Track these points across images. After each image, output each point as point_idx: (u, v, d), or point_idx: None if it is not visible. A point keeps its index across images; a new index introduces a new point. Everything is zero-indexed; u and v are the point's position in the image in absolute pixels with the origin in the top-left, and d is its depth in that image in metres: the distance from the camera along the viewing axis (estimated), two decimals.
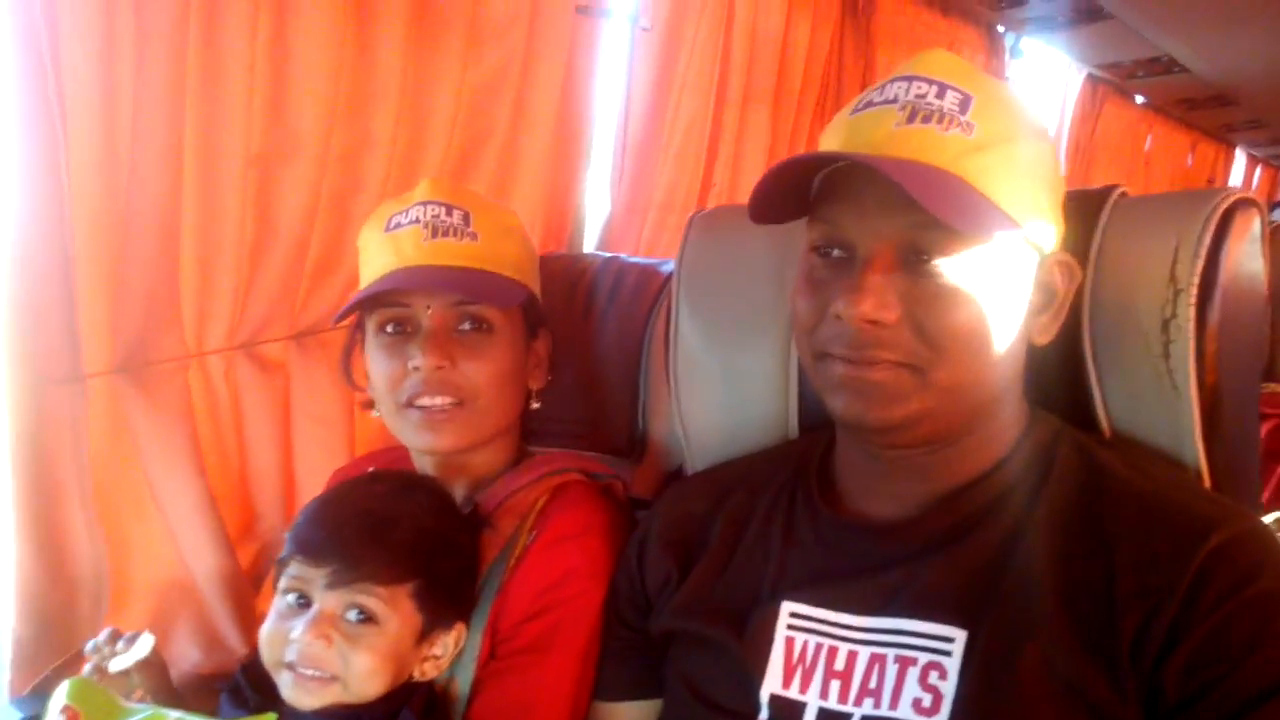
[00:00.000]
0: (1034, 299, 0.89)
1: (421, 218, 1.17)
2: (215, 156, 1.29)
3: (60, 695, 0.97)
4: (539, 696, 1.06)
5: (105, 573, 1.29)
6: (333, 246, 1.50)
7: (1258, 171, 7.03)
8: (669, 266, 1.52)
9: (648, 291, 1.47)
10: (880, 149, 0.83)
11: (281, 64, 1.36)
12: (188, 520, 1.35)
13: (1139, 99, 4.89)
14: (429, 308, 1.15)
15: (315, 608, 1.00)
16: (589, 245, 2.09)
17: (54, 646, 1.24)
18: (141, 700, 1.04)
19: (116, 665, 1.07)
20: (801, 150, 2.65)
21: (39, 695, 1.21)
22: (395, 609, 1.01)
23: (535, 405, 1.27)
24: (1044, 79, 4.23)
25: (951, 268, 0.83)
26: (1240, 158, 6.62)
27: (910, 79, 0.86)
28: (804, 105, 2.63)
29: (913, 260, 0.84)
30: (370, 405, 1.23)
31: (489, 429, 1.19)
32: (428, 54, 1.56)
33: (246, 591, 1.43)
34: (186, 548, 1.36)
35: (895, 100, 0.85)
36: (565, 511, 1.15)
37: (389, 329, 1.18)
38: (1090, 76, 4.33)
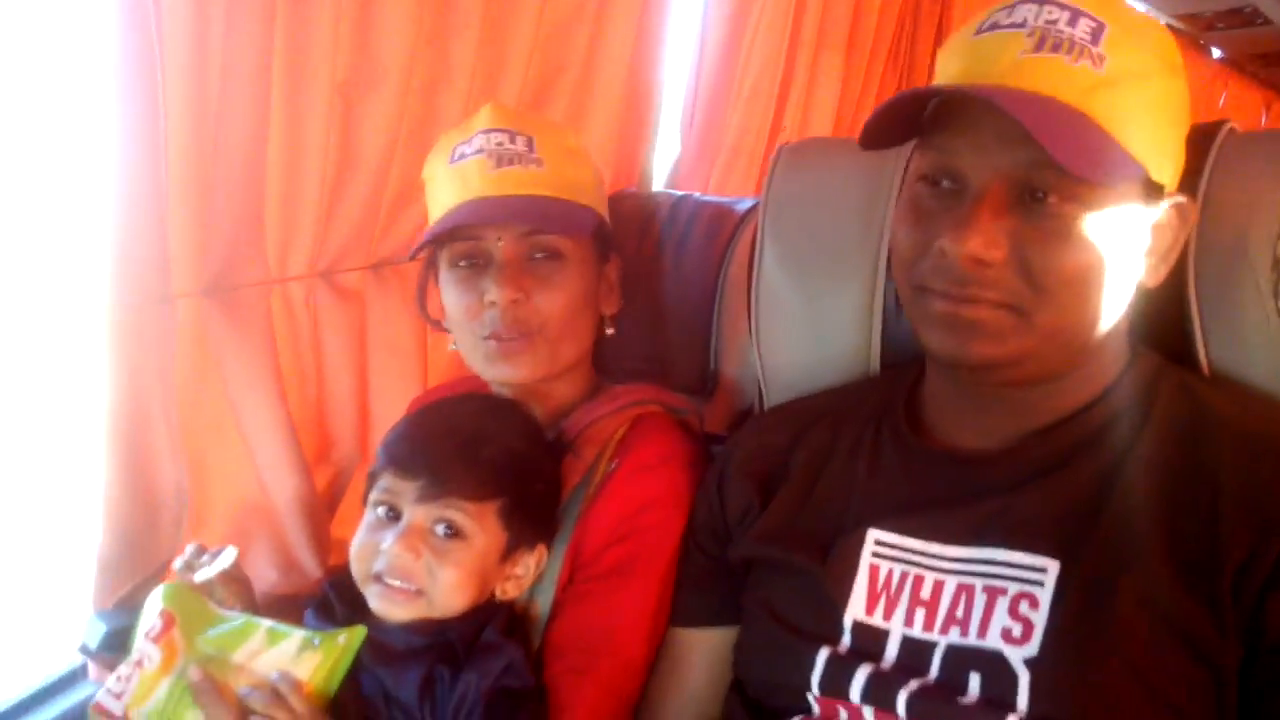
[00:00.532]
0: (1148, 241, 0.86)
1: (485, 147, 1.17)
2: (301, 84, 1.29)
3: (156, 598, 1.00)
4: (618, 620, 1.08)
5: (186, 492, 1.31)
6: (411, 177, 1.49)
7: None
8: (744, 205, 1.51)
9: (723, 230, 1.46)
10: (1004, 79, 0.80)
11: None
12: (267, 443, 1.36)
13: (1215, 53, 4.75)
14: (500, 240, 1.15)
15: (405, 520, 1.03)
16: (657, 185, 2.08)
17: (136, 563, 1.27)
18: (233, 608, 1.07)
19: (201, 576, 1.10)
20: (872, 98, 2.62)
21: (122, 609, 1.24)
22: (482, 525, 1.03)
23: (610, 331, 1.27)
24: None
25: (1067, 210, 0.80)
26: None
27: (1044, 2, 0.82)
28: (877, 51, 2.59)
29: (1027, 199, 0.81)
30: (439, 324, 1.25)
31: (564, 358, 1.20)
32: None
33: (322, 515, 1.45)
34: (265, 470, 1.38)
35: (1024, 24, 0.82)
36: (646, 441, 1.15)
37: (462, 263, 1.18)
38: (1168, 27, 4.22)
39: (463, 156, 1.18)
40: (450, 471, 1.03)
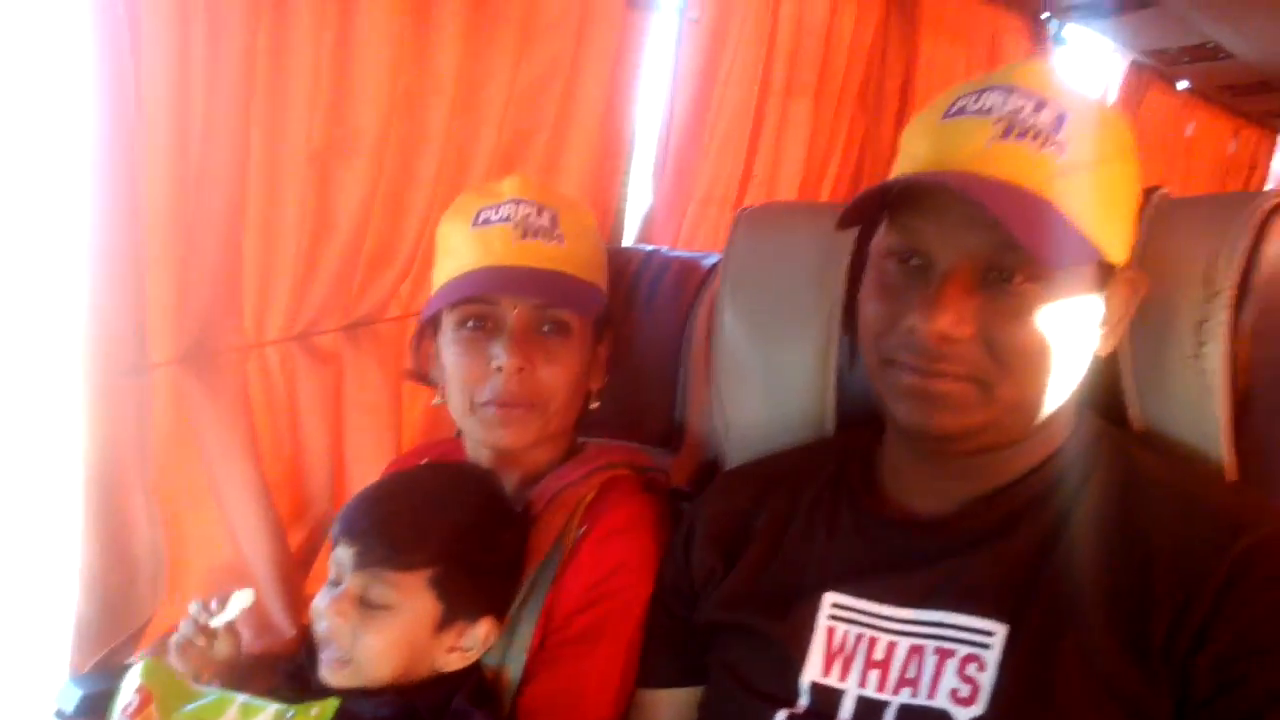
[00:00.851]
0: (1102, 312, 0.90)
1: (513, 216, 1.19)
2: (279, 153, 1.33)
3: (134, 675, 1.02)
4: (587, 684, 1.09)
5: (163, 557, 1.34)
6: (387, 240, 1.54)
7: None
8: (710, 260, 1.54)
9: (689, 285, 1.50)
10: (971, 164, 0.84)
11: (344, 63, 1.40)
12: (242, 506, 1.40)
13: (1182, 85, 4.83)
14: (515, 308, 1.17)
15: (340, 587, 1.05)
16: (628, 238, 2.12)
17: (113, 627, 1.29)
18: (209, 683, 1.09)
19: (220, 620, 1.10)
20: (840, 142, 2.67)
21: (98, 673, 1.26)
22: (408, 595, 1.03)
23: (594, 405, 1.30)
24: (1086, 66, 4.20)
25: (1030, 290, 0.84)
26: None
27: (1009, 90, 0.85)
28: (845, 97, 2.63)
29: (993, 279, 0.85)
30: (431, 387, 1.26)
31: (553, 429, 1.22)
32: (483, 50, 1.59)
33: (296, 575, 1.48)
34: (240, 533, 1.41)
35: (990, 112, 0.85)
36: (615, 507, 1.17)
37: (470, 324, 1.19)
38: (1134, 63, 4.29)
39: (487, 222, 1.20)
40: (380, 540, 1.04)
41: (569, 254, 1.21)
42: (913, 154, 0.90)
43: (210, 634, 1.10)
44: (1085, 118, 0.85)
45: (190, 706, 1.00)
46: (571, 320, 1.21)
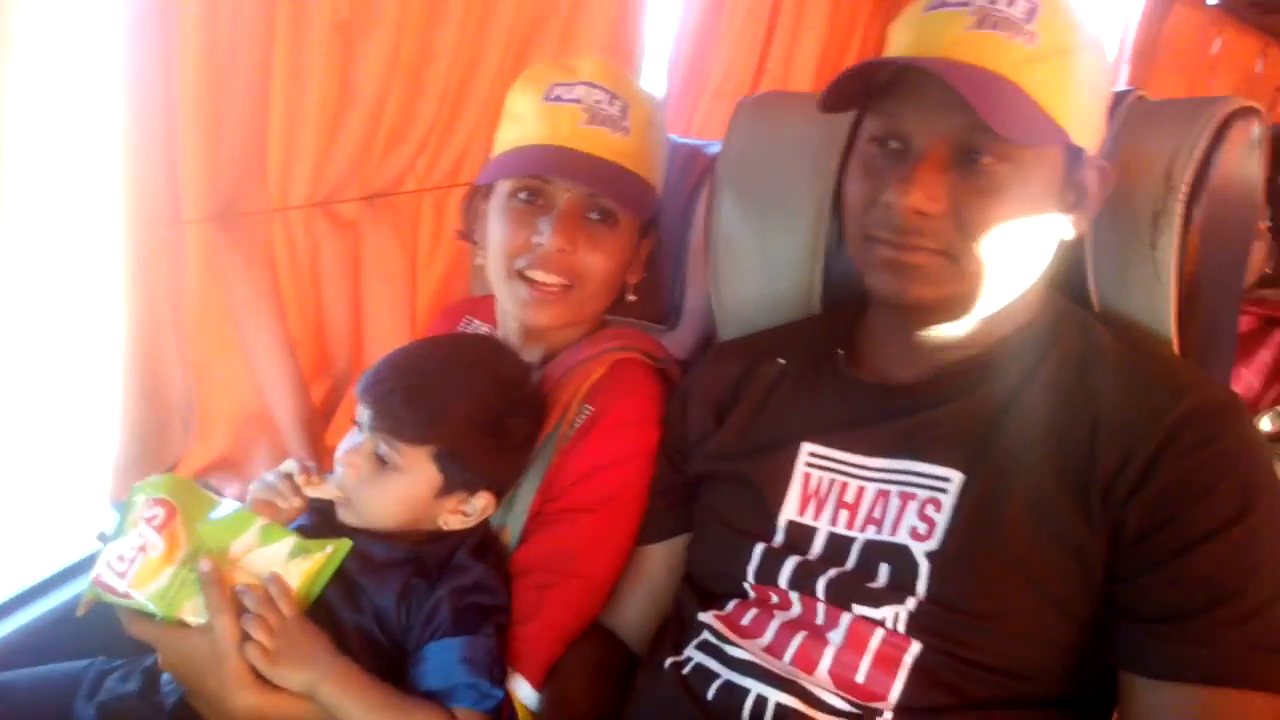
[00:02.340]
0: (1069, 198, 0.98)
1: (584, 99, 1.21)
2: (304, 23, 1.38)
3: (150, 488, 1.08)
4: (582, 544, 1.17)
5: (194, 401, 1.43)
6: (406, 113, 1.60)
7: None
8: (714, 148, 1.60)
9: (693, 171, 1.55)
10: (948, 51, 0.91)
11: None
12: (267, 359, 1.49)
13: (1210, 0, 4.76)
14: (568, 191, 1.21)
15: (358, 440, 1.14)
16: None
17: (149, 460, 1.39)
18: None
19: (314, 493, 1.15)
20: (856, 41, 2.69)
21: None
22: (413, 464, 1.11)
23: (631, 298, 1.34)
24: None
25: (999, 169, 0.92)
26: None
27: None
28: None
29: (964, 159, 0.93)
30: (468, 240, 1.31)
31: (585, 313, 1.27)
32: None
33: (317, 424, 1.58)
34: (265, 384, 1.50)
35: (968, 4, 0.92)
36: (629, 397, 1.22)
37: (521, 195, 1.23)
38: None
39: (559, 99, 1.21)
40: (392, 411, 1.11)
41: (632, 148, 1.23)
42: (895, 43, 0.98)
43: (293, 494, 1.16)
44: (1056, 9, 0.92)
45: (213, 516, 1.08)
46: (620, 213, 1.23)
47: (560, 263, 1.21)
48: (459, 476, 1.13)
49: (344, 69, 1.48)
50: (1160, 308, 1.02)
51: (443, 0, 1.57)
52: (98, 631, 1.23)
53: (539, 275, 1.22)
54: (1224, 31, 5.13)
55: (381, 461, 1.12)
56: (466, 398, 1.13)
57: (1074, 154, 0.96)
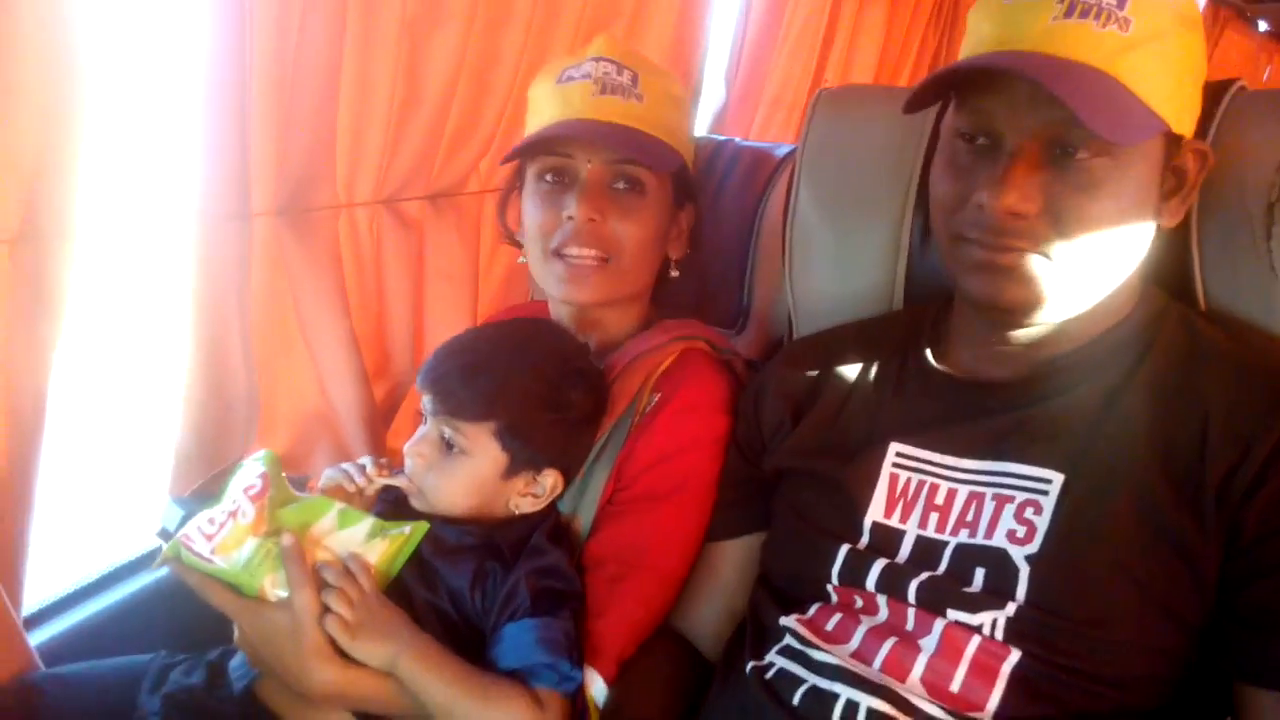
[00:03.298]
0: (1167, 183, 0.94)
1: (593, 73, 1.23)
2: (373, 20, 1.38)
3: (257, 460, 1.09)
4: (653, 537, 1.16)
5: (257, 397, 1.42)
6: (470, 115, 1.59)
7: None
8: (781, 150, 1.58)
9: (761, 173, 1.54)
10: (1035, 43, 0.87)
11: None
12: (331, 356, 1.47)
13: (1261, 25, 4.72)
14: (589, 162, 1.22)
15: (423, 429, 1.14)
16: (701, 131, 2.15)
17: (211, 457, 1.38)
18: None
19: (383, 481, 1.15)
20: (913, 50, 2.67)
21: (195, 497, 1.35)
22: (477, 443, 1.11)
23: (674, 274, 1.34)
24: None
25: (1097, 165, 0.88)
26: None
27: None
28: (920, 7, 2.63)
29: (1058, 155, 0.89)
30: (518, 245, 1.31)
31: (627, 287, 1.27)
32: None
33: (379, 424, 1.56)
34: (328, 380, 1.49)
35: None
36: (693, 381, 1.22)
37: (548, 177, 1.24)
38: (1212, 1, 4.19)
39: (569, 79, 1.24)
40: (450, 392, 1.11)
41: (647, 112, 1.23)
42: (978, 35, 0.93)
43: (366, 482, 1.15)
44: None
45: (292, 505, 1.07)
46: (647, 179, 1.24)
47: (591, 234, 1.21)
48: (523, 454, 1.13)
49: (411, 68, 1.47)
50: (1276, 303, 0.97)
51: (509, 2, 1.57)
52: (162, 625, 1.23)
53: (573, 250, 1.22)
54: (1274, 58, 5.08)
55: (448, 446, 1.12)
56: (522, 371, 1.13)
57: (1172, 139, 0.92)
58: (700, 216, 1.37)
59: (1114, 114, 0.84)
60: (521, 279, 1.75)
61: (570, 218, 1.21)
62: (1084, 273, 0.92)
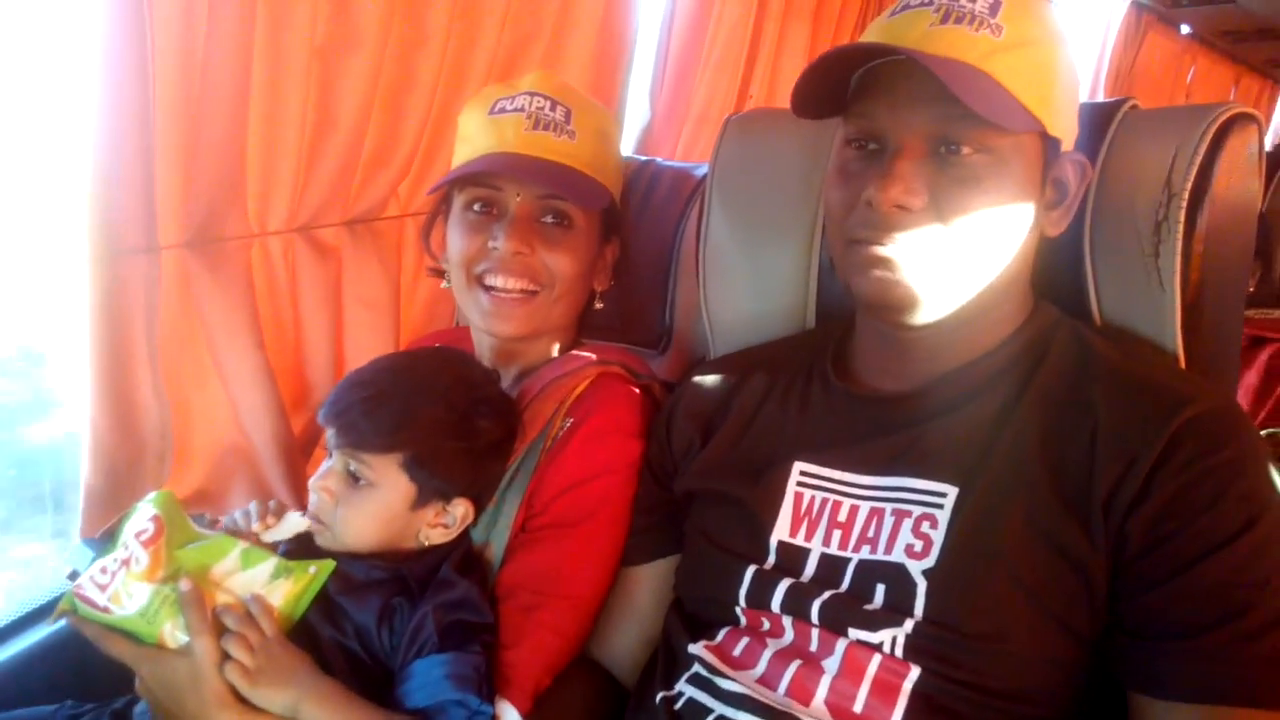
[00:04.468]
0: (1048, 194, 0.97)
1: (526, 107, 1.23)
2: (281, 47, 1.36)
3: (149, 504, 1.06)
4: (566, 563, 1.15)
5: (170, 433, 1.39)
6: (386, 139, 1.58)
7: None
8: (702, 170, 1.59)
9: (681, 194, 1.54)
10: (915, 45, 0.90)
11: None
12: (246, 389, 1.45)
13: (1184, 29, 4.83)
14: (518, 195, 1.22)
15: (327, 464, 1.12)
16: (626, 151, 2.15)
17: (121, 497, 1.34)
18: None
19: (271, 537, 1.12)
20: None
21: (107, 539, 1.33)
22: (383, 475, 1.10)
23: (599, 305, 1.35)
24: (1087, 4, 4.19)
25: (978, 159, 0.91)
26: None
27: None
28: (844, 21, 2.66)
29: (941, 151, 0.92)
30: (441, 274, 1.31)
31: (553, 320, 1.27)
32: None
33: (298, 457, 1.54)
34: (244, 414, 1.46)
35: (930, 3, 0.92)
36: (609, 407, 1.22)
37: (476, 207, 1.25)
38: (1135, 3, 4.28)
39: (503, 110, 1.24)
40: (354, 424, 1.10)
41: (578, 149, 1.24)
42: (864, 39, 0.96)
43: (252, 537, 1.12)
44: (1019, 4, 0.92)
45: (193, 545, 1.05)
46: (575, 214, 1.25)
47: (518, 266, 1.22)
48: (431, 484, 1.11)
49: (323, 93, 1.46)
50: (1165, 318, 0.99)
51: (424, 24, 1.56)
52: (67, 674, 1.20)
53: (499, 281, 1.22)
54: (1197, 60, 5.20)
55: (354, 479, 1.10)
56: (427, 400, 1.12)
57: (1052, 148, 0.95)
58: (625, 247, 1.37)
59: (989, 100, 0.88)
60: (446, 305, 1.74)
61: (495, 249, 1.21)
62: (968, 267, 0.94)
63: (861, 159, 0.96)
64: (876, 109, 0.94)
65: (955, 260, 0.93)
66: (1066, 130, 0.96)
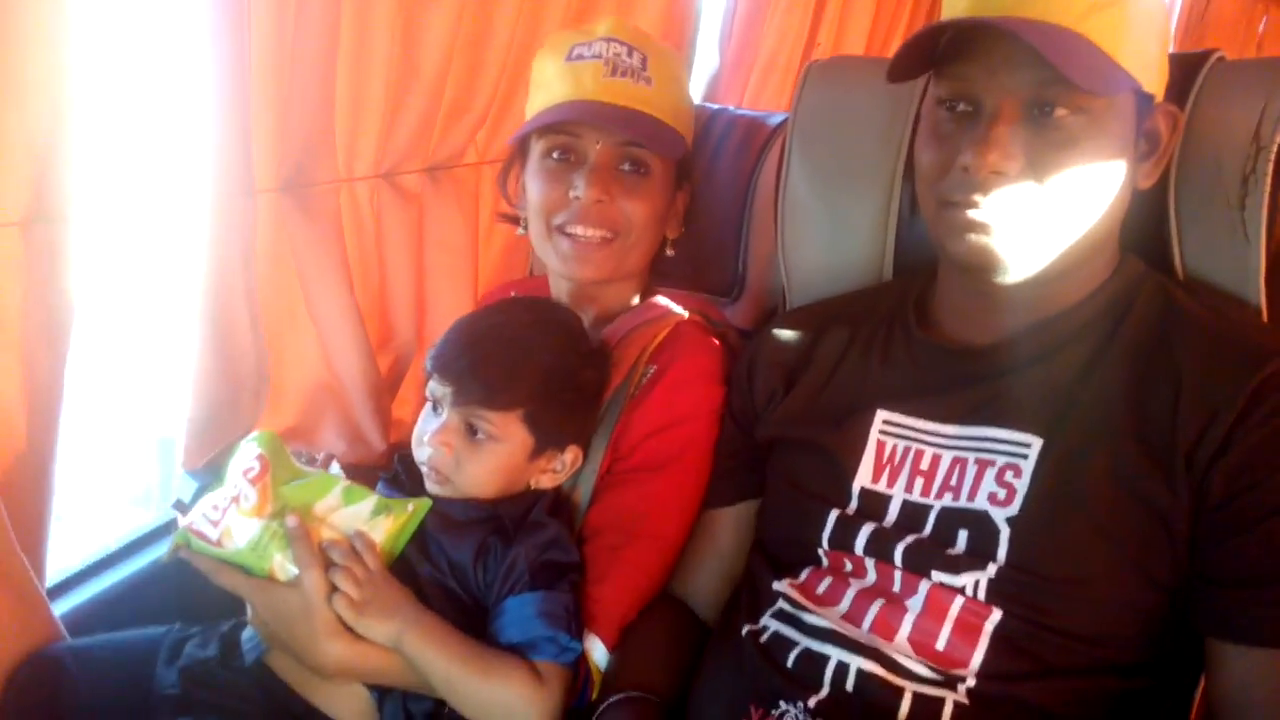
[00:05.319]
0: (1141, 146, 0.97)
1: (604, 54, 1.25)
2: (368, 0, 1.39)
3: (252, 442, 1.11)
4: (651, 504, 1.19)
5: (266, 370, 1.44)
6: (466, 88, 1.61)
7: None
8: (775, 119, 1.60)
9: (755, 142, 1.56)
10: (1008, 9, 0.90)
11: None
12: (336, 329, 1.50)
13: None
14: (598, 143, 1.24)
15: (441, 420, 1.15)
16: (695, 98, 2.16)
17: (221, 431, 1.40)
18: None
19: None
20: (907, 13, 2.67)
21: (209, 470, 1.39)
22: (505, 430, 1.13)
23: (670, 253, 1.37)
24: None
25: (1073, 121, 0.91)
26: None
27: None
28: None
29: (1036, 114, 0.92)
30: (515, 222, 1.34)
31: (629, 266, 1.29)
32: None
33: (384, 395, 1.59)
34: (334, 353, 1.51)
35: None
36: (687, 354, 1.24)
37: (555, 154, 1.27)
38: None
39: (580, 57, 1.25)
40: (476, 382, 1.13)
41: (655, 96, 1.26)
42: (953, 6, 0.97)
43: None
44: None
45: (297, 482, 1.10)
46: (652, 161, 1.26)
47: (599, 214, 1.24)
48: (549, 435, 1.16)
49: (407, 43, 1.48)
50: (1249, 272, 1.00)
51: None
52: (174, 598, 1.26)
53: (579, 230, 1.25)
54: (1270, 10, 5.06)
55: (472, 432, 1.14)
56: (542, 357, 1.16)
57: (1144, 101, 0.96)
58: (695, 195, 1.39)
59: (1088, 67, 0.88)
60: (521, 251, 1.78)
61: (577, 197, 1.23)
62: (1066, 227, 0.95)
63: (954, 120, 0.96)
64: (971, 71, 0.94)
65: (1051, 222, 0.94)
66: (1159, 84, 0.96)
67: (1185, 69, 1.06)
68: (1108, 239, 1.00)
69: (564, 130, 1.25)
